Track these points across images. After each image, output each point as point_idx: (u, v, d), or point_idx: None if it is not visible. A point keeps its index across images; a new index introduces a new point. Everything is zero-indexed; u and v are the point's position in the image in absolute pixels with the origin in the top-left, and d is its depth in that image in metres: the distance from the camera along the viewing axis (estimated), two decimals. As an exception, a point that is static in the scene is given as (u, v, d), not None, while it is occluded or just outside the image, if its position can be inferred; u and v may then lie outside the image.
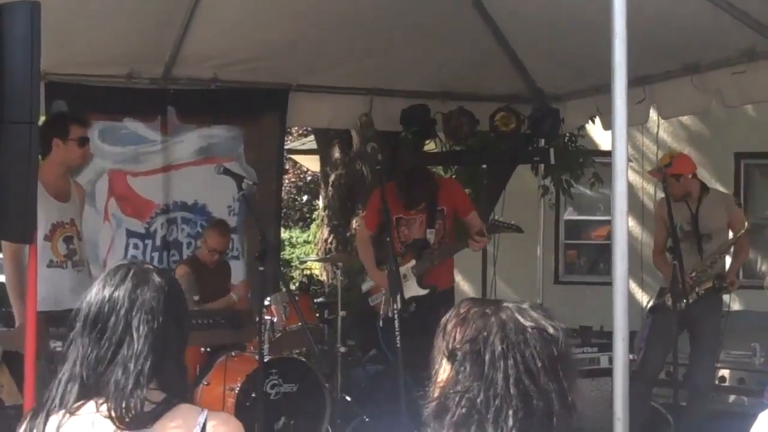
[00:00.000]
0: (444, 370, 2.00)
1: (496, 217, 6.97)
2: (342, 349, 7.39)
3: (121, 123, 7.69)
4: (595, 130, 9.43)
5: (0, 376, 6.38)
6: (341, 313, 7.43)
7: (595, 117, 8.17)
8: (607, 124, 7.43)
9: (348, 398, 7.43)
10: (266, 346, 6.39)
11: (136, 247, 7.75)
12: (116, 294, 2.27)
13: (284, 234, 18.21)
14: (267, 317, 6.65)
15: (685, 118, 10.69)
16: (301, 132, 17.91)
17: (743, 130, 10.82)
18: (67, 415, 2.21)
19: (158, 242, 7.82)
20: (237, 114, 8.05)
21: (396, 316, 5.56)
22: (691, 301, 6.33)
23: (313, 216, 19.78)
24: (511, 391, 1.89)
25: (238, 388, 6.37)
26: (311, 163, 17.57)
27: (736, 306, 9.89)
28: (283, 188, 10.08)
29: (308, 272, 15.53)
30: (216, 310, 6.73)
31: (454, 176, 9.38)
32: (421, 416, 2.01)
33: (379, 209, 6.09)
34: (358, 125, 8.89)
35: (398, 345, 5.50)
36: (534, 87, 8.35)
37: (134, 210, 7.78)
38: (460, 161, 9.02)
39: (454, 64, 7.92)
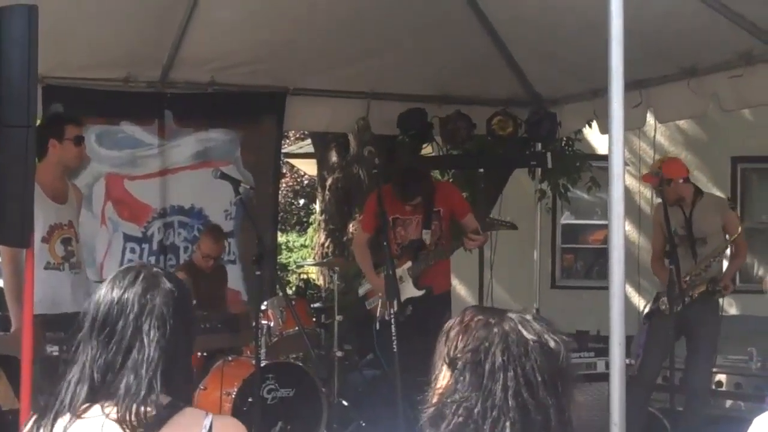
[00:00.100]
0: (444, 377, 2.00)
1: (491, 215, 6.97)
2: (339, 354, 7.37)
3: (118, 127, 7.68)
4: (592, 134, 9.43)
5: (-4, 380, 6.36)
6: (338, 318, 7.41)
7: (592, 121, 8.17)
8: (604, 128, 7.42)
9: (345, 403, 7.41)
10: (263, 351, 6.38)
11: (133, 251, 7.75)
12: (125, 297, 2.26)
13: (281, 238, 18.22)
14: (264, 322, 6.63)
15: (682, 122, 10.68)
16: (298, 136, 17.90)
17: (740, 134, 10.81)
18: (74, 418, 2.20)
19: (155, 246, 7.81)
20: (234, 118, 8.04)
21: (393, 320, 5.56)
22: (684, 304, 6.32)
23: (310, 220, 19.78)
24: (510, 403, 1.89)
25: (234, 393, 6.36)
26: (308, 167, 17.56)
27: (733, 311, 9.91)
28: (280, 192, 10.06)
29: (305, 276, 15.53)
30: (213, 314, 6.73)
31: (451, 180, 9.37)
32: (418, 421, 2.01)
33: (376, 212, 6.09)
34: (355, 129, 8.87)
35: (395, 349, 5.50)
36: (531, 91, 8.36)
37: (131, 214, 7.77)
38: (457, 165, 9.01)
39: (452, 67, 7.92)
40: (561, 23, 6.66)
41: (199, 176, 7.77)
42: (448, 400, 1.94)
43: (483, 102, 8.33)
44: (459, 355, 1.96)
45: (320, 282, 13.26)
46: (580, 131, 9.02)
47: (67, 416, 2.21)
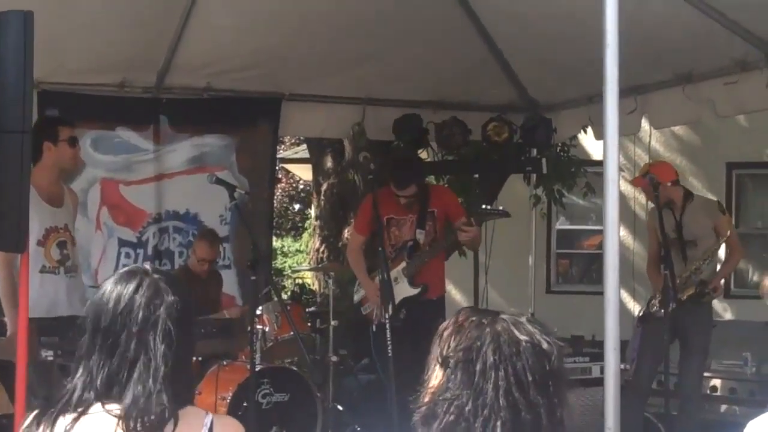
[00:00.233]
0: (436, 377, 2.01)
1: (484, 206, 6.92)
2: (334, 359, 7.38)
3: (113, 132, 7.68)
4: (587, 139, 9.44)
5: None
6: (333, 323, 7.41)
7: (587, 127, 8.18)
8: (599, 134, 7.44)
9: (340, 407, 7.42)
10: (258, 356, 6.38)
11: (128, 256, 7.75)
12: (127, 308, 2.25)
13: (276, 243, 18.22)
14: (259, 326, 6.64)
15: (677, 128, 10.70)
16: (293, 141, 17.90)
17: (735, 140, 10.83)
18: (75, 418, 2.21)
19: (150, 251, 7.81)
20: (230, 123, 8.05)
21: (387, 324, 5.56)
22: (674, 306, 6.30)
23: (305, 225, 19.78)
24: (501, 402, 1.90)
25: (229, 398, 6.36)
26: (304, 172, 17.57)
27: (728, 316, 9.94)
28: (275, 197, 10.07)
29: (300, 281, 15.53)
30: (208, 319, 6.73)
31: (446, 185, 9.37)
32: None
33: (371, 215, 6.10)
34: (350, 134, 8.89)
35: (390, 354, 5.51)
36: (526, 97, 8.37)
37: (126, 219, 7.77)
38: (453, 171, 9.00)
39: (447, 73, 7.93)
40: (556, 29, 6.67)
41: (195, 181, 7.78)
42: (440, 399, 1.95)
43: (478, 108, 8.34)
44: (451, 354, 1.98)
45: (315, 287, 13.25)
46: (575, 137, 9.02)
47: (69, 416, 2.21)
